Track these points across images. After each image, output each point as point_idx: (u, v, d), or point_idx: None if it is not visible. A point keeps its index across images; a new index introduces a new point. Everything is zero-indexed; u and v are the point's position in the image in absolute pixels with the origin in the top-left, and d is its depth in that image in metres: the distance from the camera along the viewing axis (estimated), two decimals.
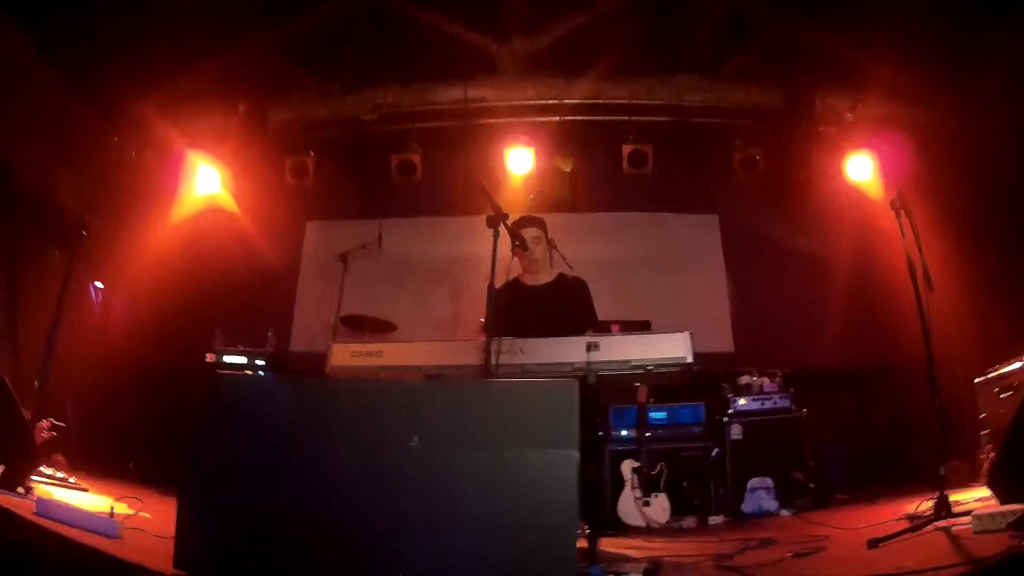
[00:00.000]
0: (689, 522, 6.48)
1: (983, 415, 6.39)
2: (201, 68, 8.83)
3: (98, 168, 8.94)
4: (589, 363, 4.72)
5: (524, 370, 4.73)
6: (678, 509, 6.52)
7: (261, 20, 8.77)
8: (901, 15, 7.55)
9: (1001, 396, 6.04)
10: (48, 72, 7.95)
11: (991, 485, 4.33)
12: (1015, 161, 7.73)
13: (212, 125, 9.25)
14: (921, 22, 7.60)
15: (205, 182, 9.22)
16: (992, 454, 5.64)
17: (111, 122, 8.97)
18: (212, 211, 9.42)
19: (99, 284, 8.83)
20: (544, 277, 5.92)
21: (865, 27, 7.95)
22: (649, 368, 4.77)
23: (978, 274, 7.91)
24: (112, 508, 4.48)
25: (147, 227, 9.14)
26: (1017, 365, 5.93)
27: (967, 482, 6.04)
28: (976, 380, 6.52)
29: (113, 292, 9.05)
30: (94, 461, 6.90)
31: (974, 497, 4.93)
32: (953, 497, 4.40)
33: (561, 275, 5.98)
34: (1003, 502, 3.96)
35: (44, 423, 5.81)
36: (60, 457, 6.22)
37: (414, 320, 9.03)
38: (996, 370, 6.24)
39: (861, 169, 8.79)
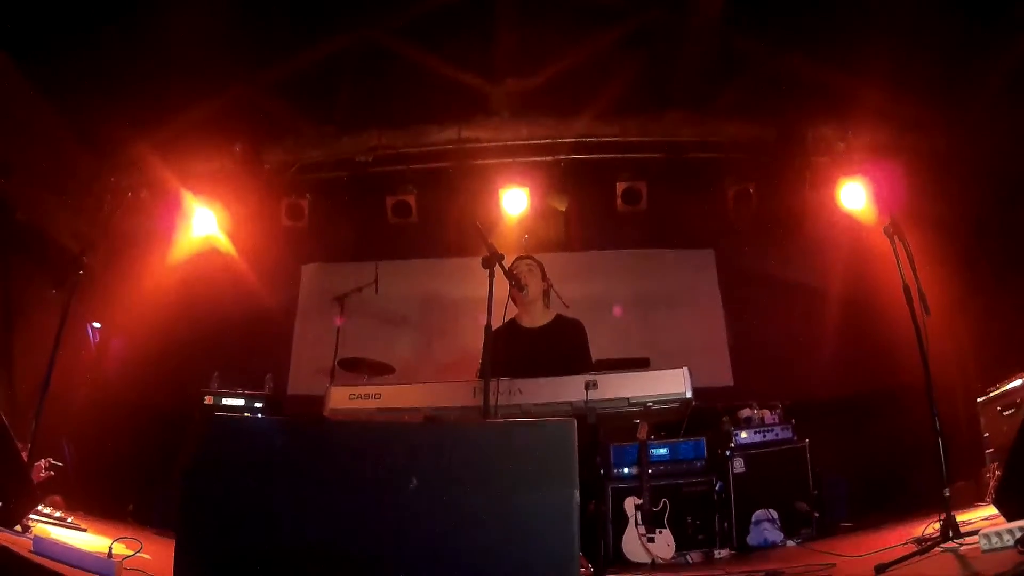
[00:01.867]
0: (694, 557, 6.42)
1: (986, 434, 6.42)
2: (197, 109, 8.94)
3: (95, 208, 9.02)
4: (588, 402, 4.71)
5: (523, 410, 4.73)
6: (682, 544, 6.45)
7: (256, 61, 8.87)
8: (889, 42, 7.63)
9: (1004, 414, 6.08)
10: (47, 110, 8.04)
11: (997, 503, 4.30)
12: (1006, 181, 7.79)
13: (208, 167, 9.28)
14: (909, 49, 7.68)
15: (201, 223, 9.21)
16: (997, 472, 5.64)
17: (108, 162, 9.08)
18: (209, 252, 9.44)
19: (96, 324, 8.83)
20: (541, 319, 5.95)
21: (853, 56, 8.04)
22: (648, 405, 4.78)
23: (974, 294, 7.97)
24: (111, 548, 4.45)
25: (144, 267, 9.18)
26: (1018, 383, 5.96)
27: (973, 502, 6.03)
28: (978, 400, 6.55)
29: (110, 332, 9.06)
30: (92, 501, 6.87)
31: (981, 516, 4.93)
32: (960, 518, 4.38)
33: (559, 316, 6.00)
34: (1010, 519, 3.94)
35: (42, 462, 5.78)
36: (58, 498, 6.20)
37: (412, 362, 9.03)
38: (997, 389, 6.28)
39: (854, 197, 8.78)
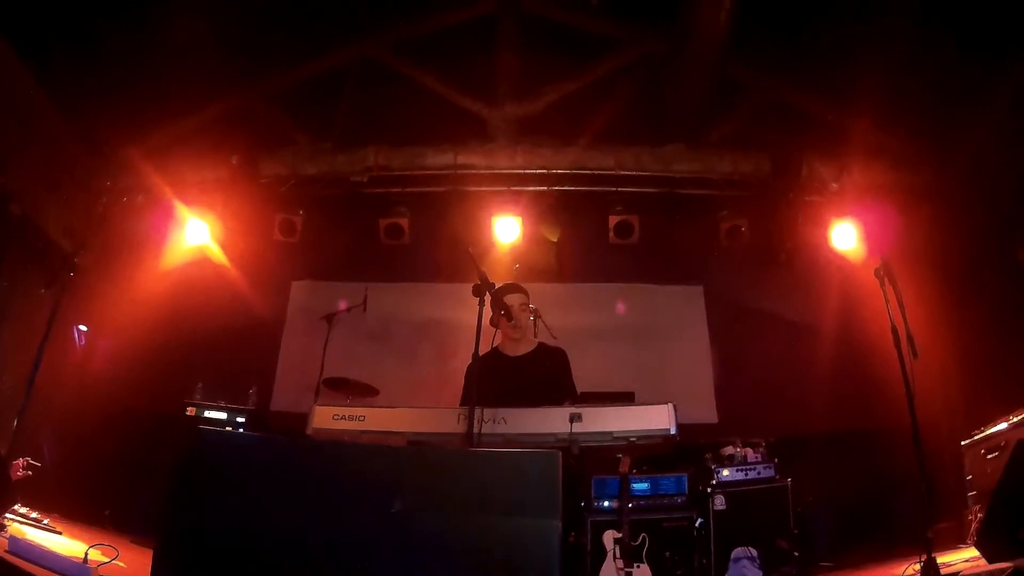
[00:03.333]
0: None
1: (969, 477, 6.47)
2: (195, 116, 9.01)
3: (90, 208, 9.01)
4: (572, 434, 4.70)
5: (506, 439, 4.71)
6: None
7: (257, 72, 8.96)
8: (883, 78, 7.73)
9: (988, 457, 6.12)
10: (47, 105, 8.05)
11: (979, 545, 4.35)
12: (999, 218, 7.84)
13: (203, 176, 9.29)
14: (903, 85, 7.78)
15: (194, 232, 9.20)
16: (979, 514, 5.66)
17: (105, 163, 9.07)
18: (200, 261, 9.42)
19: (83, 327, 8.79)
20: (524, 347, 5.96)
21: (848, 91, 8.16)
22: (632, 439, 4.76)
23: (963, 336, 8.00)
24: (87, 554, 4.42)
25: (135, 272, 9.19)
26: (1003, 426, 6.01)
27: (955, 544, 6.08)
28: (963, 443, 6.60)
29: (97, 335, 9.01)
30: (70, 503, 6.79)
31: (962, 558, 4.96)
32: (941, 559, 4.41)
33: (541, 345, 6.01)
34: (990, 561, 3.97)
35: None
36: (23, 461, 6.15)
37: (397, 385, 8.97)
38: (982, 432, 6.33)
39: (846, 237, 8.84)
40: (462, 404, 4.75)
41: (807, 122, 8.86)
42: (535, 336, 6.10)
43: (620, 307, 9.80)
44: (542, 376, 5.76)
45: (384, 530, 3.14)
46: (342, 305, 8.50)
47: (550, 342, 6.09)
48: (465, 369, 5.58)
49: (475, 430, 4.48)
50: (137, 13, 7.55)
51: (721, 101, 8.86)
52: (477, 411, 4.55)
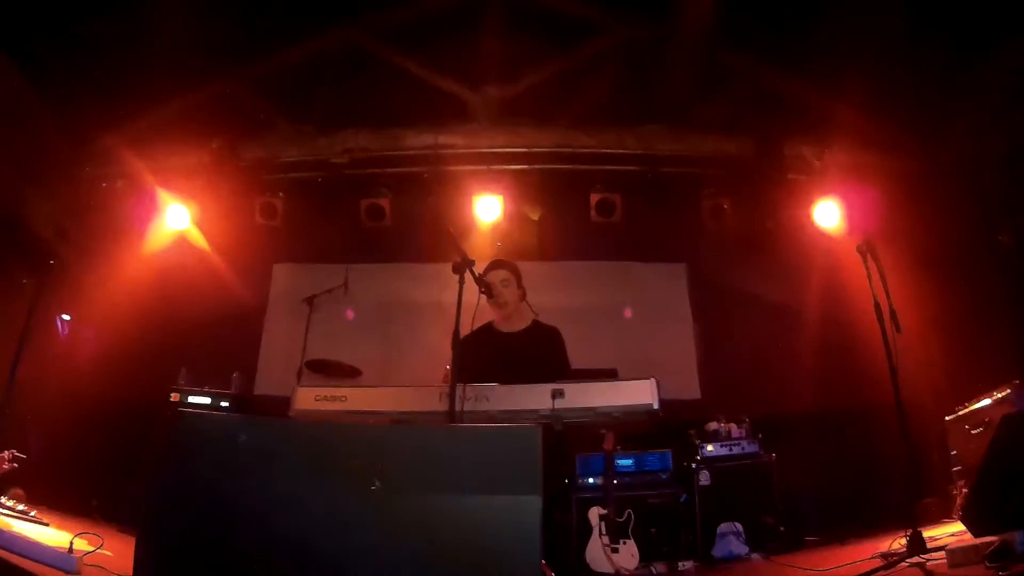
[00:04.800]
0: (659, 568, 6.41)
1: (954, 452, 6.55)
2: (176, 102, 8.93)
3: (70, 197, 8.93)
4: (554, 410, 4.69)
5: (489, 417, 4.69)
6: (647, 555, 6.44)
7: (237, 56, 8.87)
8: (868, 63, 7.71)
9: (972, 432, 6.19)
10: (27, 93, 7.94)
11: (964, 519, 4.38)
12: (982, 202, 7.88)
13: (184, 161, 9.23)
14: (888, 70, 7.77)
15: (175, 218, 9.15)
16: (964, 490, 5.71)
17: (85, 150, 8.99)
18: (182, 247, 9.38)
19: (66, 316, 8.73)
20: (518, 323, 5.96)
21: (833, 75, 8.14)
22: (615, 415, 4.76)
23: (946, 313, 8.03)
24: (72, 544, 4.40)
25: (117, 259, 9.10)
26: (987, 402, 6.10)
27: (940, 518, 6.15)
28: (947, 418, 6.67)
29: (80, 324, 8.94)
30: (56, 495, 6.76)
31: (948, 532, 5.00)
32: (927, 533, 4.44)
33: (536, 322, 6.01)
34: (976, 535, 4.00)
35: (5, 454, 5.70)
36: (20, 491, 6.10)
37: (380, 365, 8.97)
38: (966, 407, 6.42)
39: (829, 215, 8.86)
40: (452, 380, 4.75)
41: (793, 108, 8.86)
42: (522, 312, 6.09)
43: (627, 312, 9.80)
44: (534, 353, 5.78)
45: (364, 509, 3.12)
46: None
47: (541, 320, 6.08)
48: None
49: (458, 408, 4.47)
50: (118, 1, 7.47)
51: (707, 86, 8.83)
52: (460, 389, 4.54)
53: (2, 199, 7.94)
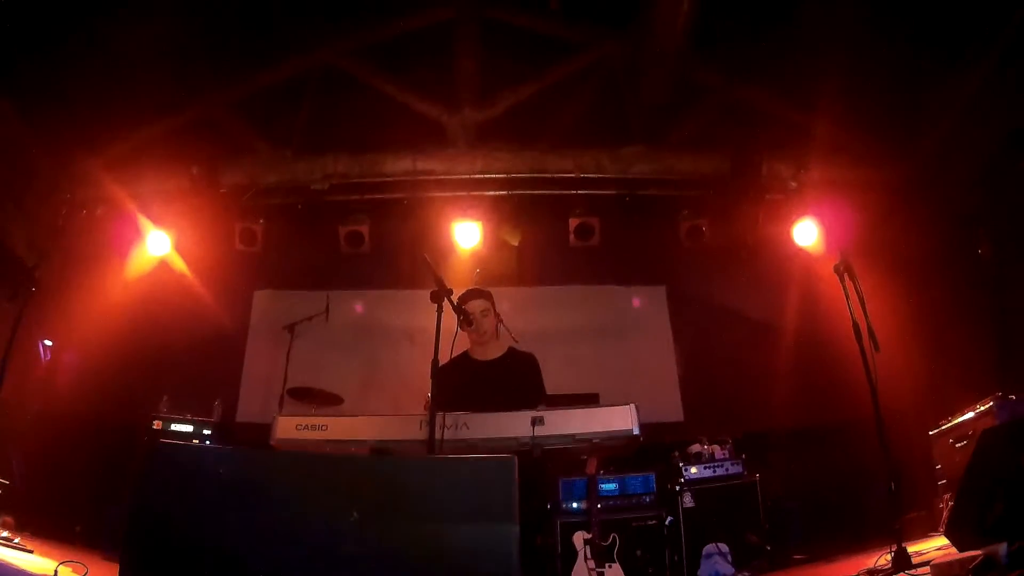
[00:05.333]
0: None
1: (939, 466, 6.58)
2: (154, 126, 8.91)
3: (51, 221, 8.89)
4: (534, 437, 4.70)
5: (469, 445, 4.70)
6: None
7: (218, 80, 8.90)
8: (842, 77, 7.79)
9: (956, 446, 6.24)
10: (8, 117, 7.90)
11: (949, 534, 4.37)
12: (958, 212, 7.93)
13: (163, 186, 9.19)
14: (862, 83, 7.87)
15: (156, 243, 9.12)
16: (949, 503, 5.71)
17: (65, 175, 8.95)
18: (164, 271, 9.35)
19: (48, 342, 8.67)
20: (494, 351, 5.97)
21: (807, 90, 8.21)
22: (594, 441, 4.77)
23: (927, 327, 8.12)
24: (56, 571, 4.37)
25: (98, 284, 9.05)
26: (970, 415, 6.14)
27: (926, 533, 6.16)
28: (931, 432, 6.71)
29: (62, 347, 8.88)
30: (39, 521, 6.73)
31: (934, 547, 4.99)
32: (912, 548, 4.46)
33: (511, 349, 6.01)
34: (961, 550, 3.99)
35: None
36: (10, 519, 6.07)
37: (361, 392, 8.95)
38: (949, 421, 6.46)
39: (807, 234, 8.89)
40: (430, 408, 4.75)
41: (767, 121, 8.92)
42: (498, 338, 6.09)
43: (635, 301, 9.88)
44: (511, 380, 5.79)
45: (342, 539, 3.13)
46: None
47: (516, 346, 6.08)
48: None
49: (437, 436, 4.47)
50: (97, 24, 7.48)
51: (681, 102, 8.88)
52: (439, 417, 4.54)
53: None
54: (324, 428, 5.09)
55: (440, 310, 4.77)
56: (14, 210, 8.43)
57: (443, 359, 4.75)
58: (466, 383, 5.60)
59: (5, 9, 7.03)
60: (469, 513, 3.11)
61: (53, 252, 8.68)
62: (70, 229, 9.17)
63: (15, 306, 6.09)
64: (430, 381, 4.71)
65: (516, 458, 3.21)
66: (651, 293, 10.04)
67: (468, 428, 4.77)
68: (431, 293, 4.80)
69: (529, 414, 4.78)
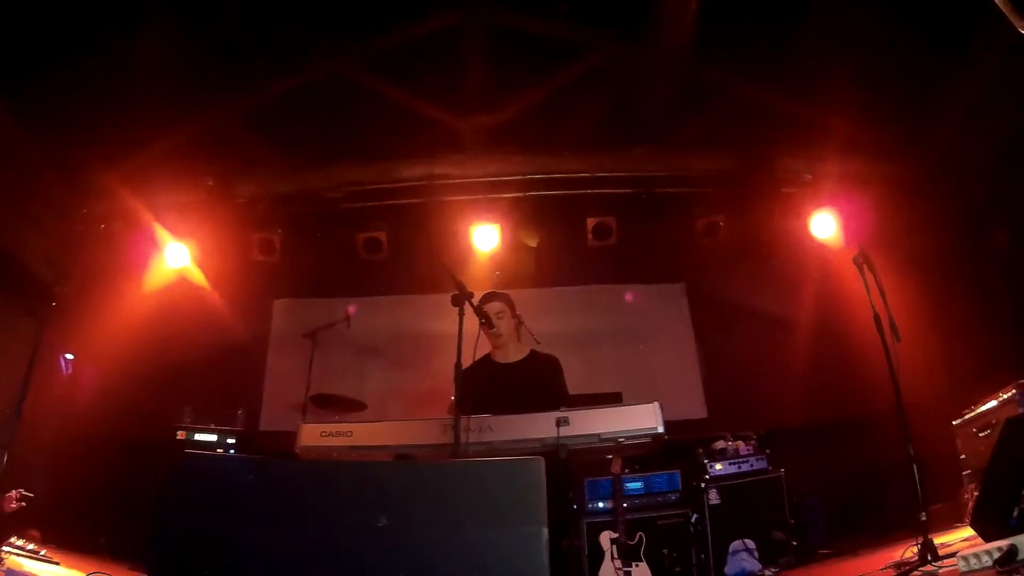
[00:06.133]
0: None
1: (963, 456, 6.54)
2: (168, 139, 8.91)
3: (68, 235, 8.94)
4: (559, 438, 4.70)
5: (493, 448, 4.71)
6: None
7: (228, 92, 8.87)
8: (854, 72, 7.73)
9: (980, 435, 6.20)
10: (20, 134, 7.95)
11: (974, 524, 4.36)
12: (974, 205, 7.89)
13: (179, 199, 9.24)
14: (874, 78, 7.80)
15: (174, 256, 9.17)
16: (974, 493, 5.68)
17: (80, 190, 9.00)
18: (183, 284, 9.41)
19: (69, 355, 8.72)
20: (515, 354, 5.96)
21: (819, 86, 8.11)
22: (620, 440, 4.76)
23: (946, 318, 8.07)
24: None
25: (117, 298, 9.13)
26: (993, 404, 6.09)
27: (952, 524, 6.09)
28: (954, 422, 6.67)
29: (83, 362, 8.92)
30: (65, 534, 6.78)
31: (960, 538, 4.97)
32: (938, 540, 4.45)
33: (533, 352, 6.01)
34: (987, 540, 3.97)
35: (13, 493, 5.71)
36: (35, 533, 6.11)
37: (384, 398, 9.00)
38: (972, 410, 6.42)
39: (824, 227, 8.87)
40: (449, 412, 4.76)
41: (779, 120, 8.83)
42: (520, 340, 6.10)
43: (628, 296, 9.87)
44: (534, 383, 5.79)
45: (371, 546, 3.13)
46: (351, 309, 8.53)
47: (538, 348, 6.08)
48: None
49: (462, 440, 4.47)
50: (108, 38, 7.50)
51: (691, 102, 8.82)
52: (463, 420, 4.55)
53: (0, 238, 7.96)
54: (349, 435, 5.11)
55: (462, 314, 4.78)
56: (30, 227, 8.48)
57: (465, 363, 4.76)
58: (489, 386, 5.60)
59: (18, 24, 7.08)
60: (498, 517, 3.10)
61: (72, 268, 8.75)
62: (87, 244, 9.21)
63: (35, 322, 6.13)
64: (452, 385, 4.72)
65: (543, 459, 3.21)
66: (670, 291, 10.06)
67: (492, 431, 4.78)
68: (452, 297, 4.81)
69: (554, 415, 4.79)
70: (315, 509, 3.27)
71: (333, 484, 3.39)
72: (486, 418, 4.80)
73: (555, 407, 4.98)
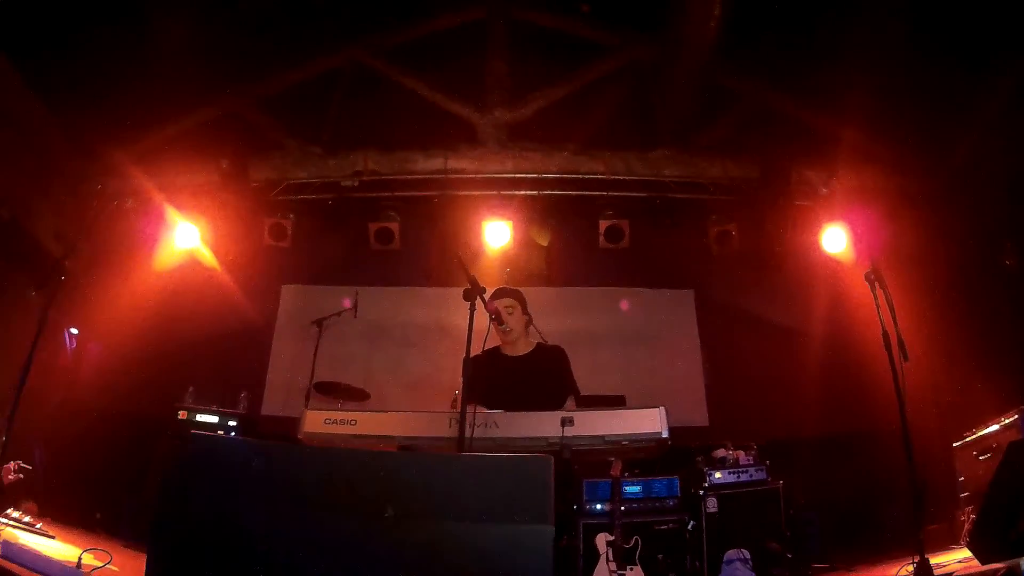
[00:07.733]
0: None
1: (961, 478, 6.54)
2: (185, 120, 8.93)
3: (80, 211, 8.96)
4: (563, 438, 4.70)
5: (498, 444, 4.71)
6: None
7: (248, 76, 8.91)
8: (873, 85, 7.73)
9: (980, 458, 6.20)
10: (37, 110, 7.99)
11: (971, 546, 4.36)
12: (988, 223, 7.88)
13: (193, 180, 9.28)
14: (893, 92, 7.80)
15: (185, 236, 9.16)
16: (972, 515, 5.69)
17: (95, 166, 9.02)
18: (192, 265, 9.41)
19: (74, 330, 8.75)
20: (523, 348, 5.99)
21: (838, 98, 8.12)
22: (623, 443, 4.77)
23: (953, 339, 8.04)
24: (80, 559, 4.41)
25: (126, 275, 9.16)
26: (994, 427, 6.09)
27: (947, 545, 6.09)
28: (955, 444, 6.67)
29: (88, 338, 8.98)
30: (60, 507, 6.74)
31: (956, 559, 4.99)
32: (934, 560, 4.44)
33: (539, 345, 6.03)
34: (984, 562, 3.99)
35: (11, 465, 5.72)
36: (33, 505, 6.11)
37: (388, 388, 8.99)
38: (974, 433, 6.41)
39: (836, 241, 8.85)
40: (453, 406, 4.76)
41: (797, 128, 8.84)
42: (528, 336, 6.11)
43: (623, 304, 9.85)
44: (541, 375, 5.81)
45: (375, 536, 3.12)
46: (346, 303, 8.52)
47: (545, 342, 6.10)
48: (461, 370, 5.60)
49: (467, 434, 4.47)
50: (127, 17, 7.49)
51: (710, 107, 8.86)
52: (468, 415, 4.54)
53: (10, 214, 7.97)
54: (353, 423, 5.11)
55: (472, 308, 4.78)
56: (41, 201, 8.51)
57: (474, 354, 4.76)
58: (497, 377, 5.62)
59: (37, 4, 7.10)
60: (505, 512, 3.09)
61: (82, 243, 8.76)
62: (99, 220, 9.23)
63: (43, 296, 6.14)
64: (459, 379, 4.73)
65: (552, 458, 3.21)
66: (679, 297, 10.05)
67: (498, 427, 4.78)
68: (464, 291, 4.81)
69: (559, 414, 4.79)
70: (321, 496, 3.26)
71: (340, 472, 3.38)
72: (491, 414, 4.81)
73: (563, 398, 4.99)
